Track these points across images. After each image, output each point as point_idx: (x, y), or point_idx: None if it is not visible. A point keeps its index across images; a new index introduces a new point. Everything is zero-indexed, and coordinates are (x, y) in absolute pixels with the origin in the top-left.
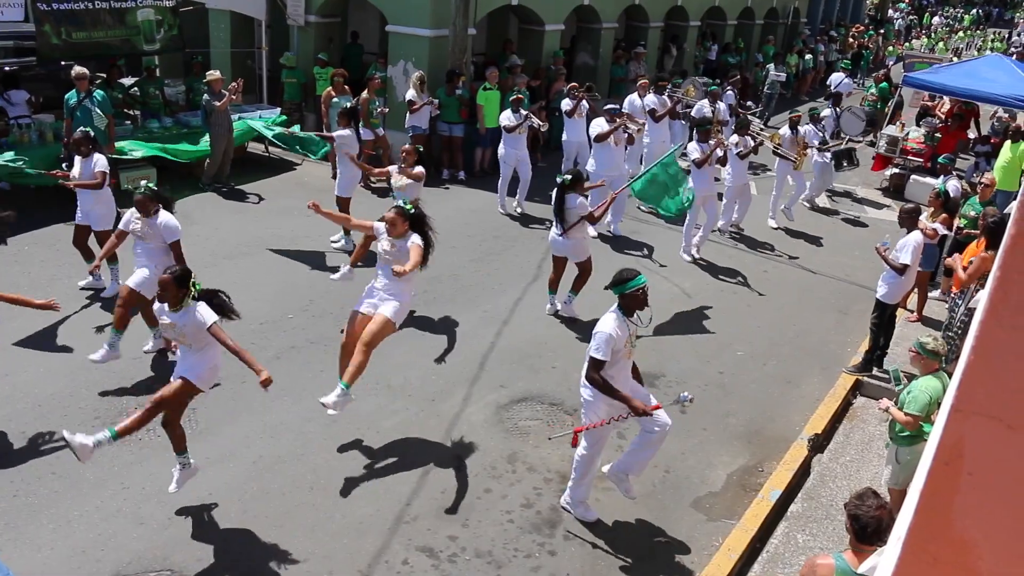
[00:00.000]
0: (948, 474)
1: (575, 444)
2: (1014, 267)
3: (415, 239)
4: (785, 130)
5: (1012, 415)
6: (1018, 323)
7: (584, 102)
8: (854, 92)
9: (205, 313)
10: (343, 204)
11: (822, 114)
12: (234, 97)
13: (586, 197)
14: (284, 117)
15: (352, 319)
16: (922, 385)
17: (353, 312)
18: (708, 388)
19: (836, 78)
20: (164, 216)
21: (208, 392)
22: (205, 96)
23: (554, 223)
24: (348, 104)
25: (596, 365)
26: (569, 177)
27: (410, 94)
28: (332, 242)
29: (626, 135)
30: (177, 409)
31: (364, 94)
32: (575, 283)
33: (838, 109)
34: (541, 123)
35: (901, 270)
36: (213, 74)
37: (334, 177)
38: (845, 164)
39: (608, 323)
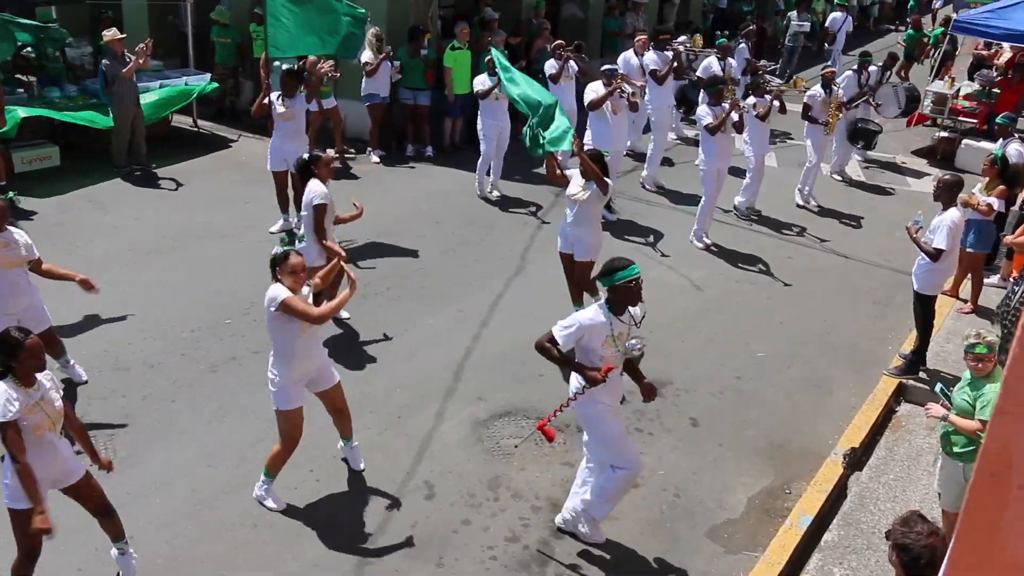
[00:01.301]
0: (995, 487)
1: (551, 438)
2: None
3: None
4: (817, 89)
5: None
6: None
7: (572, 63)
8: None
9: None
10: (278, 179)
11: (838, 80)
12: (141, 61)
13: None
14: (215, 85)
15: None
16: (996, 388)
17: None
18: (723, 396)
19: (836, 18)
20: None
21: (134, 412)
22: (104, 61)
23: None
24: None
25: (551, 339)
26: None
27: (365, 55)
28: (272, 232)
29: (625, 101)
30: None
31: (312, 56)
32: (573, 294)
33: (866, 72)
34: None
35: (935, 255)
36: (111, 33)
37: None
38: (860, 144)
39: (587, 312)
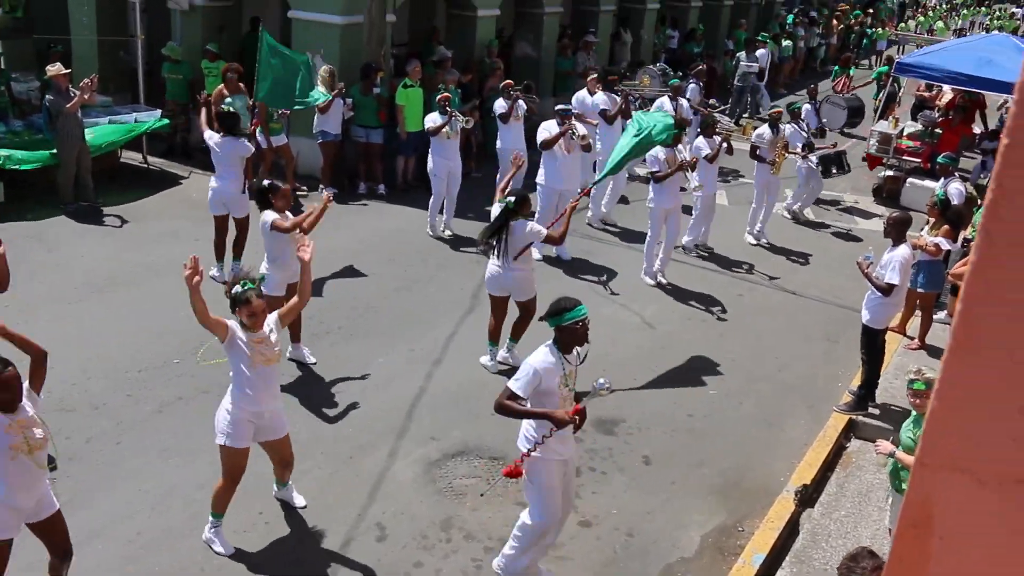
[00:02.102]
0: (917, 539)
1: (517, 474)
2: (977, 299)
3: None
4: (764, 129)
5: (981, 467)
6: (985, 361)
7: (521, 102)
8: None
9: None
10: (219, 223)
11: (802, 108)
12: (86, 96)
13: (532, 217)
14: (166, 121)
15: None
16: None
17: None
18: (676, 434)
19: (762, 56)
20: None
21: (79, 454)
22: (48, 96)
23: (493, 254)
24: (229, 108)
25: (509, 396)
26: (513, 199)
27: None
28: (212, 276)
29: (579, 141)
30: None
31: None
32: (515, 328)
33: (816, 101)
34: (465, 119)
35: (886, 290)
36: (55, 68)
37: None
38: (835, 171)
39: (537, 356)
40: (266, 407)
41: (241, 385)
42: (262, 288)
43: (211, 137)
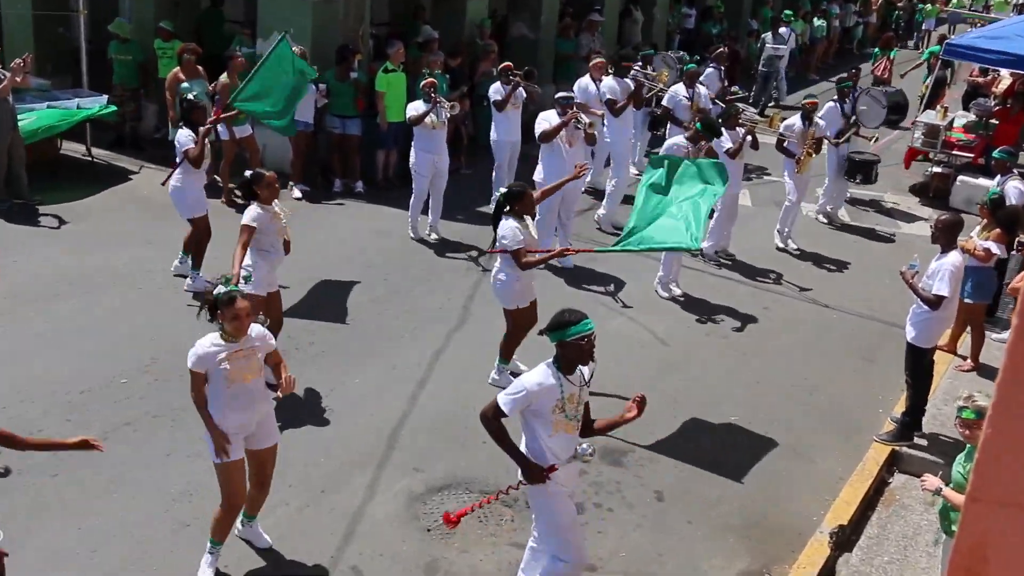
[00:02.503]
0: None
1: (452, 523)
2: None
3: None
4: (795, 120)
5: None
6: None
7: (521, 89)
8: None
9: None
10: (198, 225)
11: (821, 113)
12: (18, 79)
13: (531, 219)
14: (113, 108)
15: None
16: None
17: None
18: (692, 466)
19: (770, 39)
20: None
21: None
22: None
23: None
24: (191, 94)
25: (496, 412)
26: (506, 191)
27: None
28: (173, 271)
29: (581, 132)
30: None
31: (223, 78)
32: (503, 346)
33: (848, 100)
34: (451, 104)
35: (935, 303)
36: None
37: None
38: (858, 178)
39: (533, 375)
40: (253, 417)
41: (222, 404)
42: (245, 287)
43: (186, 136)
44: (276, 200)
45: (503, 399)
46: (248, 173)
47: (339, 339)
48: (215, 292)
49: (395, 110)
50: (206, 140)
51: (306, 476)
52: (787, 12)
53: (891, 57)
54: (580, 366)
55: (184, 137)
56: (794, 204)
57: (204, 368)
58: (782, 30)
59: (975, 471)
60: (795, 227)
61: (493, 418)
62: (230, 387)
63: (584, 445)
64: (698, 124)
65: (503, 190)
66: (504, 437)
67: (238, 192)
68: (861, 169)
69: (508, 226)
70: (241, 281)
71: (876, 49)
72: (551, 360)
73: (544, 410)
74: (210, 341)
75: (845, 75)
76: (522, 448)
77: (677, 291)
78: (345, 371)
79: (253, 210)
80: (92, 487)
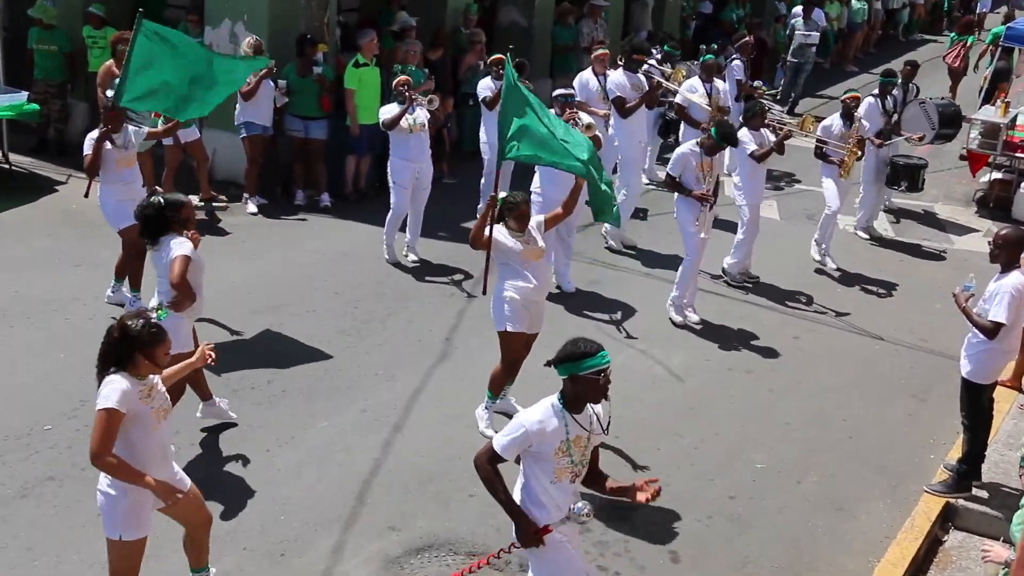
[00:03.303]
0: None
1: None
2: None
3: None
4: (834, 119)
5: None
6: None
7: None
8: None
9: None
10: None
11: (860, 111)
12: None
13: (534, 225)
14: (35, 107)
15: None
16: None
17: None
18: (713, 522)
19: (800, 25)
20: None
21: None
22: None
23: None
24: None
25: (492, 457)
26: (503, 195)
27: None
28: (108, 300)
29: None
30: None
31: None
32: (491, 378)
33: (891, 96)
34: (429, 98)
35: (992, 331)
36: None
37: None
38: (903, 186)
39: (534, 413)
40: (166, 473)
41: (148, 455)
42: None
43: (88, 139)
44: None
45: (499, 441)
46: (159, 198)
47: (302, 377)
48: (137, 325)
49: (367, 110)
50: (104, 148)
51: (263, 537)
52: None
53: (968, 44)
54: (591, 405)
55: (87, 140)
56: (834, 213)
57: (127, 408)
58: (820, 13)
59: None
60: (832, 243)
61: (488, 463)
62: (157, 429)
63: (580, 504)
64: (713, 130)
65: (503, 195)
66: (498, 487)
67: (148, 223)
68: (906, 175)
69: (505, 245)
70: (153, 315)
71: (952, 34)
72: (556, 396)
73: (546, 453)
74: (122, 377)
75: (902, 68)
76: (517, 494)
77: (694, 317)
78: (309, 414)
79: (184, 242)
80: (8, 552)
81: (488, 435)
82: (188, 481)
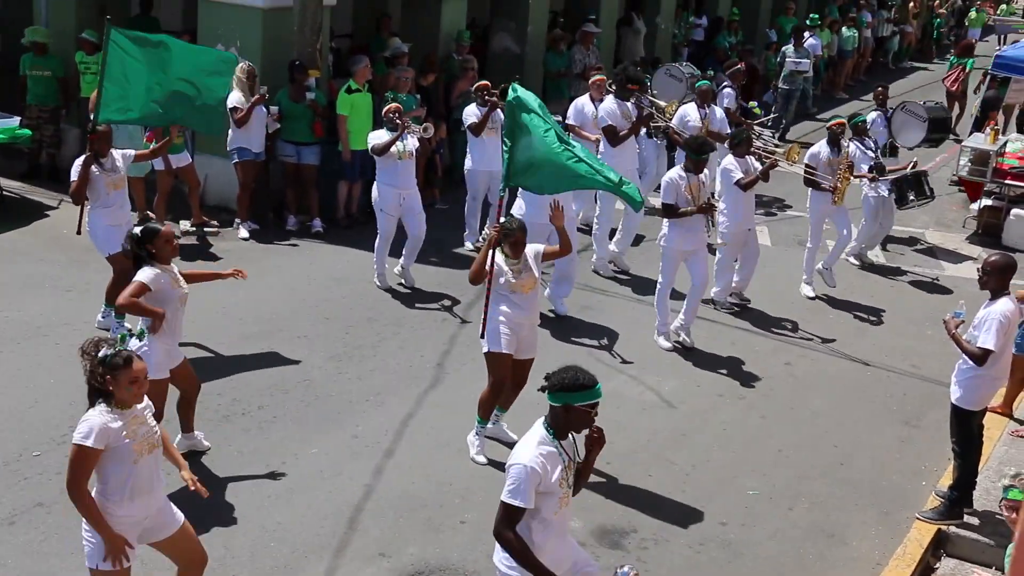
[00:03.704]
0: None
1: None
2: None
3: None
4: (821, 146)
5: None
6: None
7: (500, 111)
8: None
9: None
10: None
11: (868, 118)
12: None
13: (531, 252)
14: (28, 132)
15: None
16: None
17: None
18: (706, 547)
19: (791, 52)
20: None
21: None
22: None
23: None
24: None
25: (510, 515)
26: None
27: (233, 98)
28: (98, 325)
29: None
30: None
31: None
32: (480, 401)
33: (888, 109)
34: (423, 126)
35: (981, 357)
36: None
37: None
38: (913, 198)
39: (529, 449)
40: (151, 508)
41: (125, 490)
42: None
43: (76, 165)
44: (174, 264)
45: (510, 495)
46: (137, 228)
47: (292, 403)
48: (101, 354)
49: (359, 136)
50: (91, 172)
51: (253, 564)
52: (813, 16)
53: (967, 68)
54: (573, 434)
55: (74, 166)
56: (815, 246)
57: (105, 444)
58: (810, 42)
59: (1012, 565)
60: (834, 270)
61: (508, 530)
62: (137, 463)
63: (626, 568)
64: (687, 150)
65: (501, 220)
66: (530, 557)
67: (131, 252)
68: (912, 185)
69: (498, 267)
70: (133, 340)
71: (952, 57)
72: (542, 425)
73: (552, 485)
74: (101, 411)
75: (873, 94)
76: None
77: (687, 340)
78: (300, 441)
79: (149, 270)
80: None
81: (480, 461)
82: (181, 518)
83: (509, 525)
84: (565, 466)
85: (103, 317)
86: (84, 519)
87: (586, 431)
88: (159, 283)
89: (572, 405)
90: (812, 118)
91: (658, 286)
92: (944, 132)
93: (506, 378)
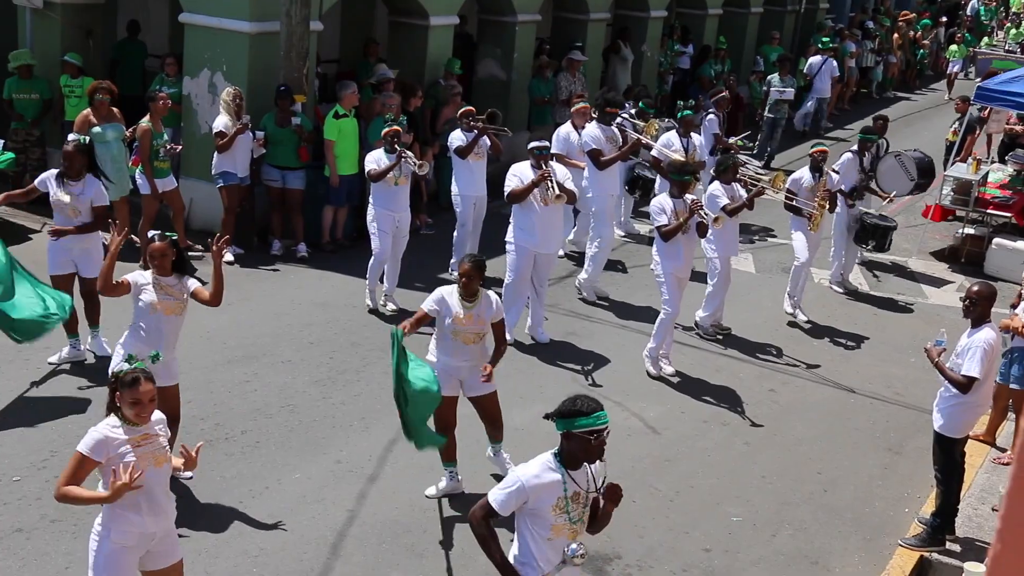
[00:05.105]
0: None
1: None
2: None
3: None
4: (803, 173)
5: None
6: None
7: (485, 137)
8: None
9: None
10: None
11: (838, 164)
12: None
13: (483, 295)
14: (11, 156)
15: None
16: None
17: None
18: (689, 574)
19: (814, 63)
20: None
21: None
22: None
23: None
24: (113, 134)
25: (486, 510)
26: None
27: (220, 122)
28: (49, 362)
29: (555, 196)
30: None
31: (144, 121)
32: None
33: (869, 153)
34: (419, 163)
35: (964, 385)
36: None
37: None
38: (870, 245)
39: (531, 468)
40: (160, 526)
41: (121, 504)
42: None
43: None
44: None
45: (495, 496)
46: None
47: (276, 428)
48: (116, 368)
49: (346, 161)
50: (61, 189)
51: None
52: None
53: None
54: (587, 463)
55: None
56: (803, 265)
57: (104, 456)
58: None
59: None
60: (804, 295)
61: (483, 520)
62: (143, 475)
63: (574, 546)
64: (671, 175)
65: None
66: (493, 546)
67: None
68: (874, 235)
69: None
70: (148, 360)
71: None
72: (554, 451)
73: (543, 509)
74: (109, 425)
75: (872, 124)
76: (511, 558)
77: (669, 369)
78: (282, 466)
79: (139, 273)
80: None
81: (428, 494)
82: (180, 554)
83: (483, 519)
84: (567, 496)
85: (91, 339)
86: (101, 523)
87: (602, 463)
88: (139, 284)
89: (571, 431)
90: (822, 136)
91: (663, 312)
92: (929, 179)
93: (449, 421)
